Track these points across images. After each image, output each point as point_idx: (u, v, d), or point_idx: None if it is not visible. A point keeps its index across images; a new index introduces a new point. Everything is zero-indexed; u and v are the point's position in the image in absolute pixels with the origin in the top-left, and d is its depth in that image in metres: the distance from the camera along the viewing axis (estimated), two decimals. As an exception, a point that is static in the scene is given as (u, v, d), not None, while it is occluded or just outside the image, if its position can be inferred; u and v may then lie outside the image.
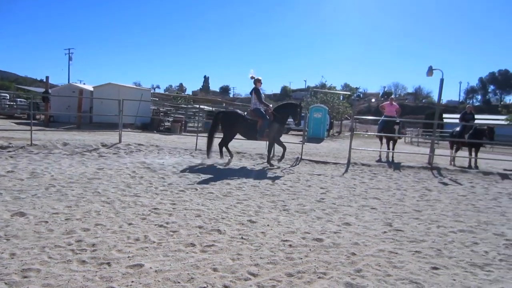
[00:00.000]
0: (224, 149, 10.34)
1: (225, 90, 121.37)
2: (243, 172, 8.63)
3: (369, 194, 6.98)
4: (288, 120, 10.91)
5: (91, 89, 22.74)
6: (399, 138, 14.92)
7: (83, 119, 20.38)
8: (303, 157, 11.63)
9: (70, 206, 4.82)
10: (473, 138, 12.40)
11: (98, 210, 4.75)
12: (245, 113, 10.45)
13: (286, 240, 4.04)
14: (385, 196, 6.88)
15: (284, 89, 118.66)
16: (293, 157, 11.75)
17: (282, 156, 10.47)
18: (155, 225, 4.29)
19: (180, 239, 3.88)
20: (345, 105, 34.62)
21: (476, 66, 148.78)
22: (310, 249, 3.82)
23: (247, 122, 10.02)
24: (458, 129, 13.26)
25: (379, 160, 12.68)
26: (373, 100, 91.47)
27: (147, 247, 3.59)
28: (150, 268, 3.11)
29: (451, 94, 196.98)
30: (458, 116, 17.50)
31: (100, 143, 11.24)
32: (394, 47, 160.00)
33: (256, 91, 10.00)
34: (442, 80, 12.55)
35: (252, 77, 10.08)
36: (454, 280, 3.26)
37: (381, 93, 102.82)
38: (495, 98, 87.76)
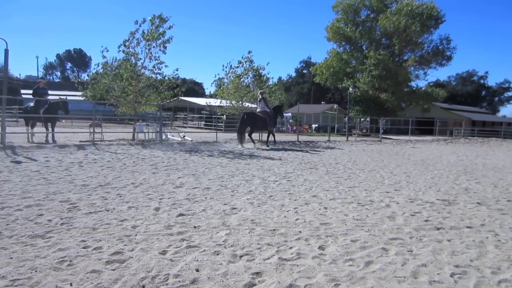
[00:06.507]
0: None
1: None
2: None
3: None
4: None
5: None
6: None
7: None
8: None
9: None
10: (48, 112, 12.50)
11: None
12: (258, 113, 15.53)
13: None
14: None
15: None
16: None
17: (274, 141, 16.30)
18: None
19: None
20: None
21: (53, 43, 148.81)
22: None
23: (261, 119, 15.12)
24: (31, 104, 12.90)
25: None
26: None
27: None
28: None
29: (30, 69, 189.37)
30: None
31: None
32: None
33: (264, 99, 15.75)
34: (7, 51, 11.61)
35: (261, 93, 16.13)
36: (11, 258, 3.14)
37: None
38: (73, 75, 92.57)
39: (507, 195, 6.90)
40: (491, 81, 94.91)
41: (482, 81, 72.78)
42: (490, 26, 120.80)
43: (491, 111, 69.54)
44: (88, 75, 21.53)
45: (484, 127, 40.99)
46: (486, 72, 73.34)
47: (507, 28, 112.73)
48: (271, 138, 16.28)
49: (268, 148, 14.83)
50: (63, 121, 21.38)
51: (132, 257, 3.26)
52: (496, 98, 74.55)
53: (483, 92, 73.84)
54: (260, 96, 15.99)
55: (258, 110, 15.89)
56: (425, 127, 34.53)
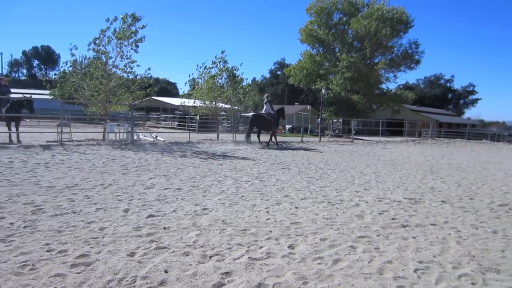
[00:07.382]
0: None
1: None
2: None
3: None
4: None
5: None
6: None
7: None
8: None
9: None
10: (12, 111, 12.00)
11: None
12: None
13: None
14: None
15: None
16: None
17: (275, 143, 17.10)
18: None
19: None
20: None
21: (20, 38, 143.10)
22: None
23: (267, 120, 16.66)
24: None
25: None
26: None
27: None
28: None
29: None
30: None
31: None
32: None
33: (270, 102, 17.45)
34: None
35: (267, 96, 18.30)
36: (-31, 263, 3.00)
37: None
38: (41, 73, 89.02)
39: (469, 194, 7.21)
40: (457, 84, 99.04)
41: (448, 84, 75.72)
42: (457, 28, 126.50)
43: (457, 113, 72.36)
44: (56, 73, 20.75)
45: (450, 129, 42.57)
46: (452, 76, 76.59)
47: (474, 30, 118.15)
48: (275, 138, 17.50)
49: (275, 147, 16.30)
50: (28, 120, 20.55)
51: (98, 260, 3.19)
52: (462, 101, 77.72)
53: (450, 95, 76.77)
54: (266, 99, 17.85)
55: (263, 112, 17.51)
56: (394, 128, 35.50)
